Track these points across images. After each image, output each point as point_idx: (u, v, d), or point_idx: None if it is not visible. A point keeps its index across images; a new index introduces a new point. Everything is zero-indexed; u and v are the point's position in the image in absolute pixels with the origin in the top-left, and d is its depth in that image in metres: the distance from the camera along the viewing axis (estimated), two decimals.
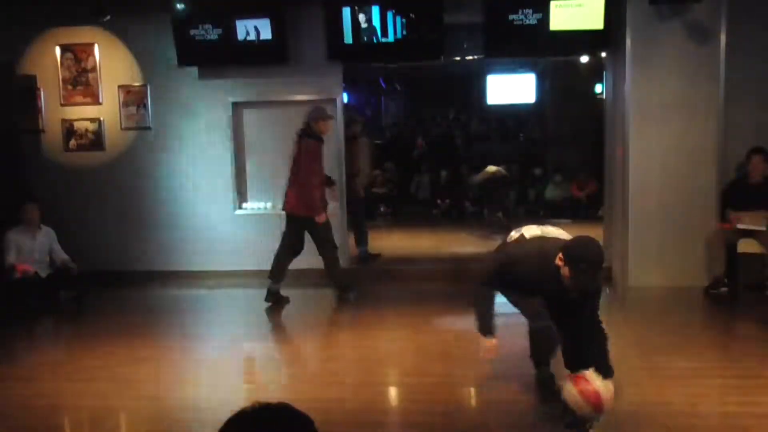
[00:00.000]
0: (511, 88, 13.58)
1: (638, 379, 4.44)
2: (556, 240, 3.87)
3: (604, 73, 7.82)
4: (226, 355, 5.23)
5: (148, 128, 7.73)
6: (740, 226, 6.35)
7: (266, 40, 7.25)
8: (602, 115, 8.03)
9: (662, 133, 6.72)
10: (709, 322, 6.07)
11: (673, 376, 4.46)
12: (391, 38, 7.09)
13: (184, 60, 7.41)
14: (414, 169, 13.24)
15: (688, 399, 4.08)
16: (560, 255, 3.62)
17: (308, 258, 7.54)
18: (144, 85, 7.67)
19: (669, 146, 6.72)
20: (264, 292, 6.43)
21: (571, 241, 3.75)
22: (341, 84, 7.58)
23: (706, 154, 6.68)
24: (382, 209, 12.22)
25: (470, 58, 7.72)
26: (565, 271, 3.60)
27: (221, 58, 7.37)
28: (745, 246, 6.38)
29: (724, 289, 6.32)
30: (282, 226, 6.54)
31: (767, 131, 6.65)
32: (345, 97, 8.07)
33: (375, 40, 7.13)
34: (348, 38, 7.15)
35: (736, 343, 5.40)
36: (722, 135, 6.67)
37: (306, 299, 7.02)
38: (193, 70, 7.55)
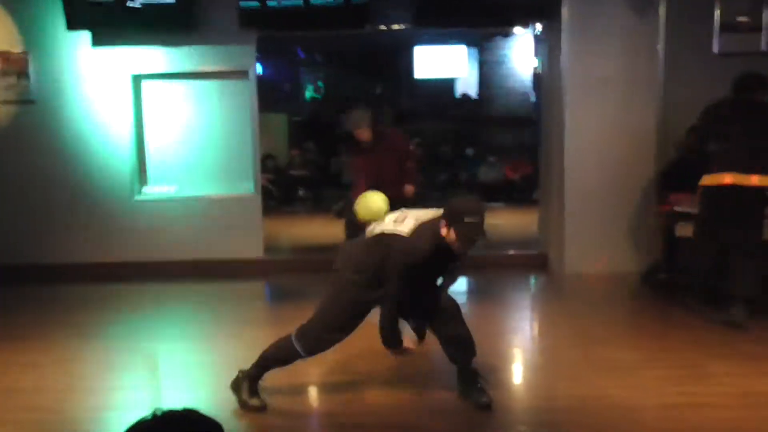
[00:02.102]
0: (440, 61, 13.67)
1: (576, 371, 4.61)
2: (434, 216, 3.81)
3: (540, 45, 7.99)
4: (127, 359, 5.12)
5: (32, 102, 7.42)
6: (678, 208, 6.62)
7: (169, 3, 7.06)
8: (538, 90, 8.21)
9: (600, 110, 6.89)
10: (647, 310, 6.25)
11: (611, 368, 4.62)
12: (311, 4, 7.05)
13: (74, 24, 7.13)
14: (336, 149, 13.21)
15: (626, 391, 4.23)
16: (442, 223, 3.66)
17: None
18: (25, 52, 7.35)
19: (607, 124, 6.89)
20: (170, 286, 6.32)
21: (446, 206, 3.75)
22: (254, 54, 7.48)
23: (646, 133, 6.87)
24: (301, 193, 12.16)
25: (397, 27, 7.74)
26: (450, 235, 3.62)
27: (118, 23, 7.13)
28: (684, 230, 6.65)
29: (662, 275, 6.53)
30: (191, 210, 6.41)
31: None
32: (259, 68, 7.97)
33: (293, 6, 7.06)
34: (263, 3, 7.06)
35: (674, 332, 5.65)
36: (662, 113, 6.89)
37: (221, 293, 6.98)
38: (86, 36, 7.28)
